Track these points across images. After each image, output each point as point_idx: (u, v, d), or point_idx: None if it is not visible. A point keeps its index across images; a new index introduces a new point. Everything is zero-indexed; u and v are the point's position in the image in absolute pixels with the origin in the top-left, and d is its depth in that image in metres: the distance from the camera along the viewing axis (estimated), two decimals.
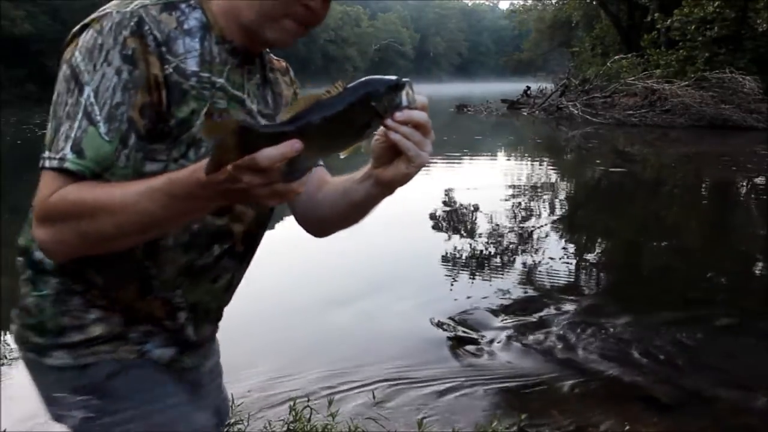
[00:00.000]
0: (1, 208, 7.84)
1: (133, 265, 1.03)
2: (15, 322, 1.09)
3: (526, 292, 4.64)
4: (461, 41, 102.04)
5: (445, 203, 8.04)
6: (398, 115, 0.88)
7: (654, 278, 5.29)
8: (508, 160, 13.95)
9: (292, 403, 2.76)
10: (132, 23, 0.94)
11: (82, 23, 0.98)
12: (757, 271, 5.62)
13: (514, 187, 9.55)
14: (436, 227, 7.00)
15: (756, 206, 8.58)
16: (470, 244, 6.08)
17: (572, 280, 5.06)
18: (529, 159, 13.95)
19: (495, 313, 4.15)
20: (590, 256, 6.00)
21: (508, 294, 4.55)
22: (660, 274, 5.35)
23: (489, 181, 9.76)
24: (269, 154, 0.78)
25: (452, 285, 4.81)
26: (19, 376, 3.43)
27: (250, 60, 1.08)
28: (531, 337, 3.75)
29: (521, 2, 43.03)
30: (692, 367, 3.38)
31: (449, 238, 6.49)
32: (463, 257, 5.65)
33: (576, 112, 19.41)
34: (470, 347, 3.62)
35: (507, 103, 25.50)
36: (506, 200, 8.28)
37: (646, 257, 6.01)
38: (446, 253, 5.70)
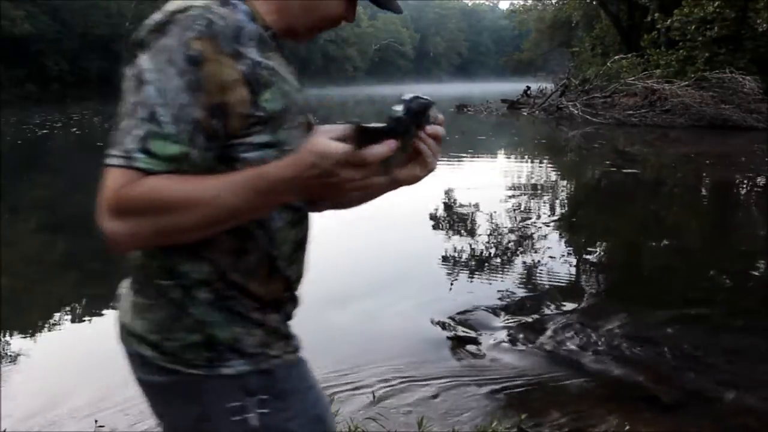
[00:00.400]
0: (1, 208, 7.84)
1: (260, 255, 1.07)
2: (165, 346, 1.04)
3: (526, 292, 4.64)
4: (461, 41, 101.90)
5: (445, 203, 8.05)
6: (428, 128, 1.02)
7: (654, 278, 5.28)
8: (508, 160, 13.95)
9: None
10: (198, 25, 0.95)
11: (151, 28, 0.98)
12: (757, 271, 5.62)
13: (514, 187, 9.55)
14: (437, 227, 7.01)
15: (756, 206, 8.58)
16: (470, 244, 6.09)
17: (572, 280, 5.06)
18: (530, 159, 13.95)
19: (495, 313, 4.15)
20: (590, 256, 6.00)
21: (508, 294, 4.55)
22: (660, 274, 5.35)
23: (489, 181, 9.77)
24: (377, 151, 0.89)
25: (452, 285, 4.81)
26: (19, 376, 3.43)
27: (281, 45, 1.15)
28: (531, 337, 3.75)
29: (521, 2, 43.04)
30: (692, 367, 3.37)
31: (449, 238, 6.49)
32: (464, 257, 5.66)
33: (576, 112, 19.41)
34: (470, 347, 3.62)
35: (507, 103, 25.49)
36: (506, 200, 8.28)
37: (646, 257, 6.01)
38: (446, 253, 5.70)
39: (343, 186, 0.90)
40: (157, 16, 0.98)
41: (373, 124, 0.91)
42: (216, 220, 0.95)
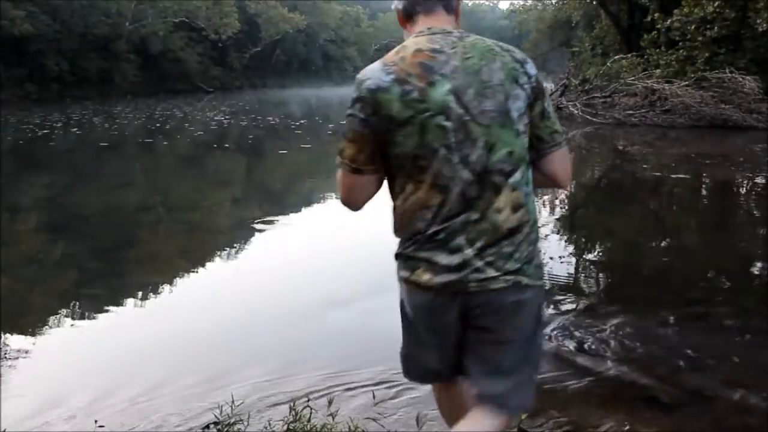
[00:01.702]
0: (1, 208, 7.83)
1: None
2: (534, 273, 1.66)
3: None
4: None
5: None
6: None
7: (654, 278, 5.28)
8: None
9: (292, 403, 2.76)
10: None
11: (531, 66, 1.65)
12: (757, 271, 5.62)
13: None
14: None
15: (756, 206, 8.58)
16: None
17: (572, 280, 5.06)
18: None
19: None
20: (590, 256, 6.00)
21: None
22: (660, 274, 5.34)
23: None
24: None
25: None
26: (19, 376, 3.43)
27: None
28: None
29: (521, 2, 43.00)
30: (692, 367, 3.37)
31: None
32: None
33: (576, 112, 19.39)
34: None
35: None
36: None
37: (646, 257, 6.00)
38: None
39: None
40: (522, 57, 1.64)
41: None
42: None
